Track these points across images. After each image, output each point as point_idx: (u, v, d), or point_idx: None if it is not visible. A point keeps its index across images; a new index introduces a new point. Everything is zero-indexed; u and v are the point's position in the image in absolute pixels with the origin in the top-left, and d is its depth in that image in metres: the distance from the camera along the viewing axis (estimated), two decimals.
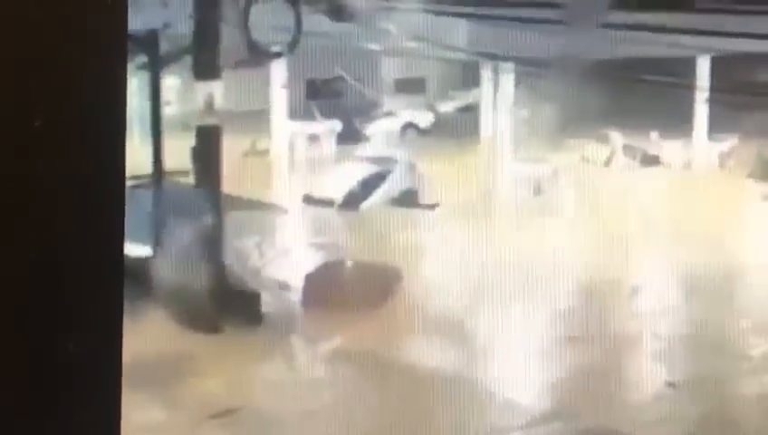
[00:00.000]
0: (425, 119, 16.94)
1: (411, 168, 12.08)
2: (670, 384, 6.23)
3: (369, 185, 11.35)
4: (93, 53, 1.69)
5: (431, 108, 17.20)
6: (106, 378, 1.76)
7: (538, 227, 10.91)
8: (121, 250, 1.78)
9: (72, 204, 1.73)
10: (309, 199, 11.20)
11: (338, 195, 11.16)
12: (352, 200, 11.19)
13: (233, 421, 6.22)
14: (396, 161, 12.25)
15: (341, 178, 11.49)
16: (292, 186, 11.81)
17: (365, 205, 11.25)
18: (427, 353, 6.98)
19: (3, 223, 1.67)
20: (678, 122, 14.98)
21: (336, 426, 5.95)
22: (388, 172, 11.67)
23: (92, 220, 1.75)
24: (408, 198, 11.30)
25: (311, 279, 8.69)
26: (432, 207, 11.01)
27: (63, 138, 1.68)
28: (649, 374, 6.95)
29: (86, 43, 1.69)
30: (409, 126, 16.84)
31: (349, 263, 9.02)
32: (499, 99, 15.25)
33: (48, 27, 1.64)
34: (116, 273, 1.77)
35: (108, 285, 1.75)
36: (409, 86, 15.88)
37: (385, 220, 10.80)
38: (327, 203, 11.03)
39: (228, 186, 11.04)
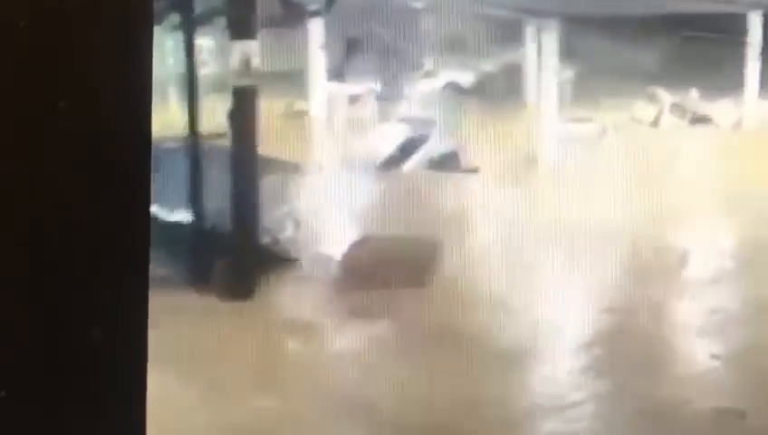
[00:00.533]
0: (466, 78, 16.53)
1: (452, 129, 11.70)
2: (715, 356, 5.91)
3: (409, 147, 10.97)
4: (119, 22, 1.56)
5: (473, 67, 16.79)
6: (132, 363, 1.70)
7: (584, 191, 10.55)
8: (148, 233, 1.73)
9: (98, 184, 1.68)
10: (347, 163, 10.87)
11: (378, 158, 10.81)
12: (392, 163, 10.85)
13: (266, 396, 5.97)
14: (435, 123, 11.87)
15: (381, 140, 11.13)
16: (330, 148, 11.49)
17: (406, 168, 10.90)
18: (472, 328, 6.70)
19: (28, 205, 1.63)
20: (729, 81, 14.55)
21: (364, 405, 5.71)
22: (429, 134, 11.28)
23: (118, 198, 1.69)
24: (449, 162, 10.92)
25: (350, 255, 8.39)
26: (474, 170, 10.65)
27: (88, 116, 1.63)
28: (696, 346, 6.60)
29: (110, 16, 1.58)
30: (451, 85, 16.44)
31: (388, 239, 8.68)
32: (543, 58, 14.85)
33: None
34: (142, 255, 1.71)
35: (134, 268, 1.70)
36: (450, 45, 15.49)
37: (426, 184, 10.47)
38: (367, 166, 10.70)
39: (265, 148, 10.80)
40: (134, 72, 1.68)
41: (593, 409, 5.78)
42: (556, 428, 5.65)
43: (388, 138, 11.04)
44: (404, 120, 12.03)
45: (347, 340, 6.96)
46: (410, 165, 10.89)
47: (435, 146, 11.01)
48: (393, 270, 7.98)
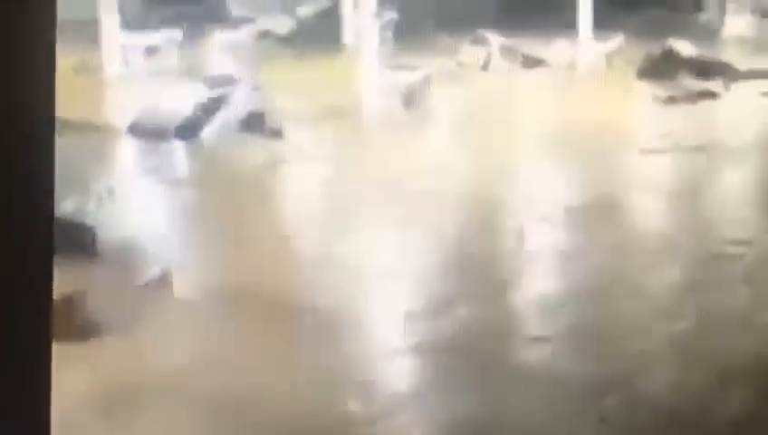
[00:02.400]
0: (284, 25, 15.37)
1: (257, 87, 10.45)
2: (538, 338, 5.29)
3: (209, 109, 9.66)
4: None
5: (291, 13, 15.65)
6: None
7: (411, 141, 9.62)
8: (51, 239, 1.77)
9: None
10: (139, 129, 9.54)
11: (172, 123, 9.48)
12: (189, 128, 9.54)
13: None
14: (237, 80, 10.60)
15: (177, 101, 9.80)
16: (126, 108, 10.21)
17: (205, 133, 9.64)
18: (297, 288, 5.91)
19: None
20: (560, 22, 13.89)
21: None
22: (231, 93, 9.99)
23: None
24: (255, 122, 9.68)
25: None
26: (278, 134, 9.46)
27: None
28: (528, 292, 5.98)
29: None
30: (267, 34, 15.23)
31: None
32: (362, 1, 13.83)
33: None
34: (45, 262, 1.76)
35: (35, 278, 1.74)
36: None
37: (230, 149, 9.32)
38: (160, 132, 9.40)
39: (60, 108, 9.48)
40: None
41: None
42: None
43: (186, 98, 9.72)
44: (204, 78, 10.72)
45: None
46: (211, 129, 9.61)
47: (239, 106, 9.75)
48: None
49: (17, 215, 1.77)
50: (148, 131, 9.36)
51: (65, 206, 6.79)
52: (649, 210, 7.83)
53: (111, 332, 5.27)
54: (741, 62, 12.49)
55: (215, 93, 9.67)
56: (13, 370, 1.74)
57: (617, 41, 13.68)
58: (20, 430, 1.77)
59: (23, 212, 1.79)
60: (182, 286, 5.86)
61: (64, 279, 2.86)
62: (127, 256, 6.41)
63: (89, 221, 6.76)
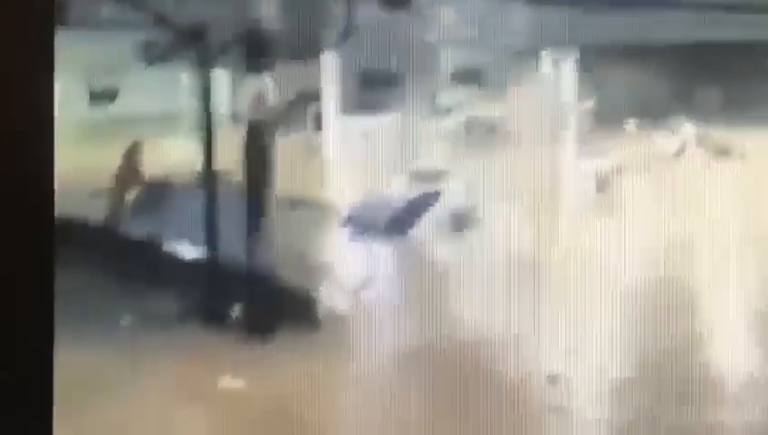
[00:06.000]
0: (488, 112, 16.15)
1: (465, 182, 11.20)
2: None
3: (416, 206, 10.41)
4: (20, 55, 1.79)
5: (494, 100, 16.43)
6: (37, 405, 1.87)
7: (605, 224, 10.23)
8: (52, 278, 1.87)
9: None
10: (353, 221, 10.47)
11: (384, 218, 10.31)
12: (398, 225, 10.33)
13: None
14: (447, 175, 11.36)
15: (389, 196, 10.60)
16: (344, 188, 11.22)
17: (412, 232, 10.41)
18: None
19: None
20: (759, 111, 14.17)
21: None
22: (439, 191, 10.68)
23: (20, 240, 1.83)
24: (462, 219, 10.38)
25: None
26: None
27: None
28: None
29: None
30: (475, 121, 16.05)
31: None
32: (561, 88, 14.55)
33: None
34: (48, 300, 1.82)
35: (37, 312, 1.83)
36: (466, 77, 15.22)
37: (435, 248, 10.09)
38: (373, 226, 10.27)
39: (280, 185, 10.62)
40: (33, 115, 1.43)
41: None
42: None
43: (398, 194, 10.51)
44: (413, 173, 11.57)
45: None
46: (417, 228, 10.35)
47: (448, 203, 10.47)
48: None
49: (17, 216, 1.83)
50: (362, 224, 10.26)
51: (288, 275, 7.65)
52: None
53: None
54: None
55: (425, 189, 10.49)
56: (15, 368, 1.81)
57: None
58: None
59: (24, 213, 1.83)
60: None
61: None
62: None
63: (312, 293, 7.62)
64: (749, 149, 13.53)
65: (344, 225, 10.39)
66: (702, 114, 14.11)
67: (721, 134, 13.76)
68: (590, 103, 15.20)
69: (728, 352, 7.24)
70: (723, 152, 13.52)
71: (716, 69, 13.86)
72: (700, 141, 13.67)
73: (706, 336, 7.40)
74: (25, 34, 1.54)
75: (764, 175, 13.10)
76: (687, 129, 13.85)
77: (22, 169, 1.56)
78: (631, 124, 14.00)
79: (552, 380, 6.72)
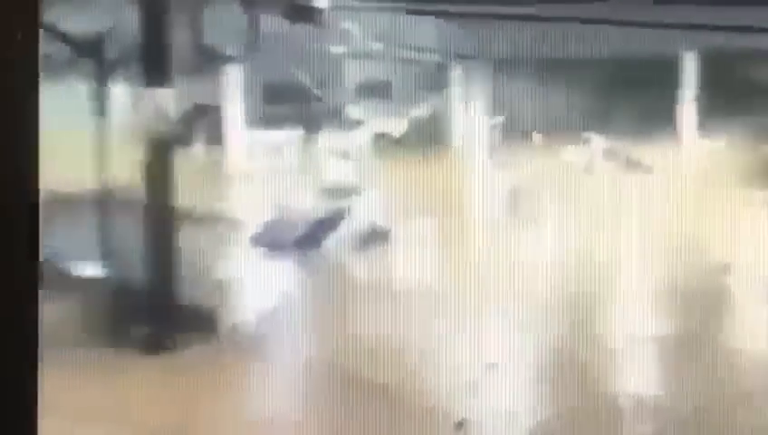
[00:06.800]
0: (397, 127, 15.98)
1: (374, 197, 11.03)
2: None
3: (326, 225, 10.23)
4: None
5: (403, 114, 16.26)
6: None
7: (516, 238, 10.10)
8: (36, 291, 1.77)
9: None
10: (260, 240, 10.20)
11: (292, 236, 10.08)
12: (309, 241, 10.11)
13: None
14: (359, 192, 11.18)
15: (297, 213, 10.40)
16: (249, 204, 10.93)
17: (322, 248, 10.20)
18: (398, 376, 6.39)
19: None
20: (664, 125, 14.26)
21: None
22: (348, 208, 10.52)
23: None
24: (371, 236, 10.20)
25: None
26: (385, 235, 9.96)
27: None
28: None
29: None
30: (382, 136, 15.85)
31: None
32: (471, 102, 14.44)
33: None
34: (31, 311, 1.78)
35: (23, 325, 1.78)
36: (374, 91, 15.01)
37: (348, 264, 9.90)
38: (280, 245, 10.04)
39: (182, 199, 10.33)
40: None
41: None
42: None
43: (306, 211, 10.30)
44: (321, 190, 11.35)
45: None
46: (328, 244, 10.13)
47: (356, 223, 10.29)
48: None
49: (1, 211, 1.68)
50: (269, 244, 10.00)
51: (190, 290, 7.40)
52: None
53: None
54: None
55: (335, 205, 10.28)
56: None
57: (721, 144, 13.97)
58: None
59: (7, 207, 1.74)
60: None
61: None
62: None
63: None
64: (656, 162, 13.59)
65: (252, 242, 10.16)
66: (611, 128, 14.13)
67: (629, 148, 13.79)
68: (499, 117, 15.15)
69: (626, 373, 7.16)
70: (631, 166, 13.54)
71: (626, 84, 13.91)
72: (609, 155, 13.68)
73: (611, 352, 7.32)
74: (9, 31, 1.84)
75: (671, 188, 13.16)
76: (596, 142, 13.85)
77: None
78: (540, 138, 13.98)
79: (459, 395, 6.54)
